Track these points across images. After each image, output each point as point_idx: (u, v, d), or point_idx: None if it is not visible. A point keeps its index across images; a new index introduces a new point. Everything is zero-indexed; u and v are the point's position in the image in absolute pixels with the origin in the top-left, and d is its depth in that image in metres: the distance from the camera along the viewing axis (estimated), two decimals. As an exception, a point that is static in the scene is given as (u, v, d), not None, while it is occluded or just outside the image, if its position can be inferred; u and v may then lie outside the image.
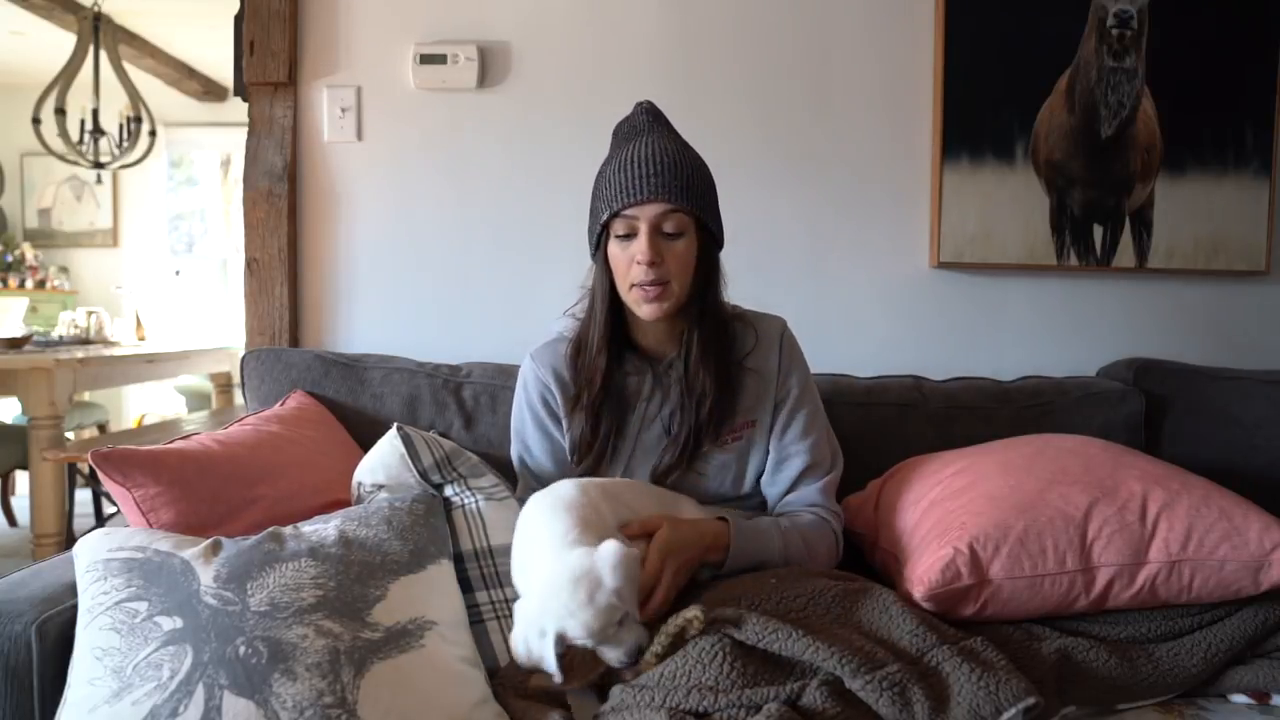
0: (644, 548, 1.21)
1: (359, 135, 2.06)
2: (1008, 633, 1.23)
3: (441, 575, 1.23)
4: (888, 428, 1.76)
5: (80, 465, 3.55)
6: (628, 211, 1.32)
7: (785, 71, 2.05)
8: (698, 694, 1.05)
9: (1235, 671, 1.23)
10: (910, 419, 1.78)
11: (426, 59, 2.02)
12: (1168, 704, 1.20)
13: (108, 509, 4.00)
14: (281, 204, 2.03)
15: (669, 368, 1.43)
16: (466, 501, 1.35)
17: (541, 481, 1.44)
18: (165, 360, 4.16)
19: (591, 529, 1.17)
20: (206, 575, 1.11)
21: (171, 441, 1.40)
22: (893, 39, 2.05)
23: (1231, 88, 2.06)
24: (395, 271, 2.07)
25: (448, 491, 1.37)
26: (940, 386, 1.86)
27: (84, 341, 4.32)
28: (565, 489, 1.25)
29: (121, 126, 4.82)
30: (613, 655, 1.10)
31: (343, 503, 1.39)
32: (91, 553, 1.16)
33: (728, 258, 1.45)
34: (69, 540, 3.09)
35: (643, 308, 1.35)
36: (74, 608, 1.14)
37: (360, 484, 1.39)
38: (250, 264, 2.04)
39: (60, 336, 4.44)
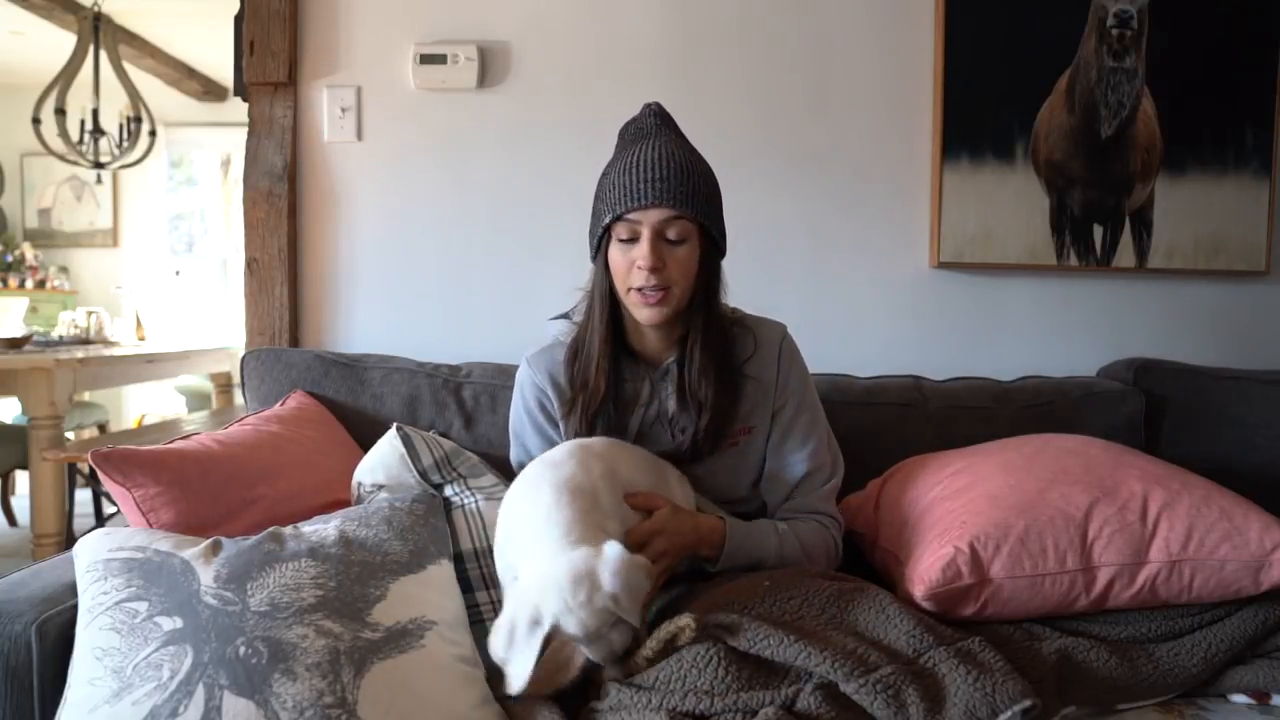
0: (641, 519, 1.23)
1: (359, 135, 2.06)
2: (1008, 633, 1.23)
3: (441, 575, 1.23)
4: (888, 428, 1.76)
5: (80, 465, 3.55)
6: (631, 215, 1.31)
7: (785, 71, 2.06)
8: (694, 698, 1.05)
9: (1235, 671, 1.23)
10: (910, 419, 1.78)
11: (426, 59, 2.02)
12: (1168, 704, 1.20)
13: (108, 509, 3.99)
14: (281, 204, 2.03)
15: (665, 374, 1.42)
16: (466, 501, 1.35)
17: None
18: (165, 360, 4.16)
19: (594, 524, 1.16)
20: (206, 575, 1.11)
21: (171, 441, 1.40)
22: (893, 39, 2.05)
23: (1231, 88, 2.06)
24: (395, 271, 2.07)
25: (447, 491, 1.37)
26: (940, 386, 1.86)
27: (84, 341, 4.32)
28: (570, 469, 1.22)
29: (121, 126, 4.82)
30: (599, 654, 1.10)
31: (343, 503, 1.39)
32: (91, 553, 1.16)
33: (728, 257, 1.45)
34: (69, 540, 3.09)
35: (642, 312, 1.34)
36: (74, 608, 1.14)
37: (360, 484, 1.39)
38: (250, 264, 2.04)
39: (60, 336, 4.44)
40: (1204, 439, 1.80)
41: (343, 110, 2.04)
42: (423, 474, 1.35)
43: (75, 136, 4.64)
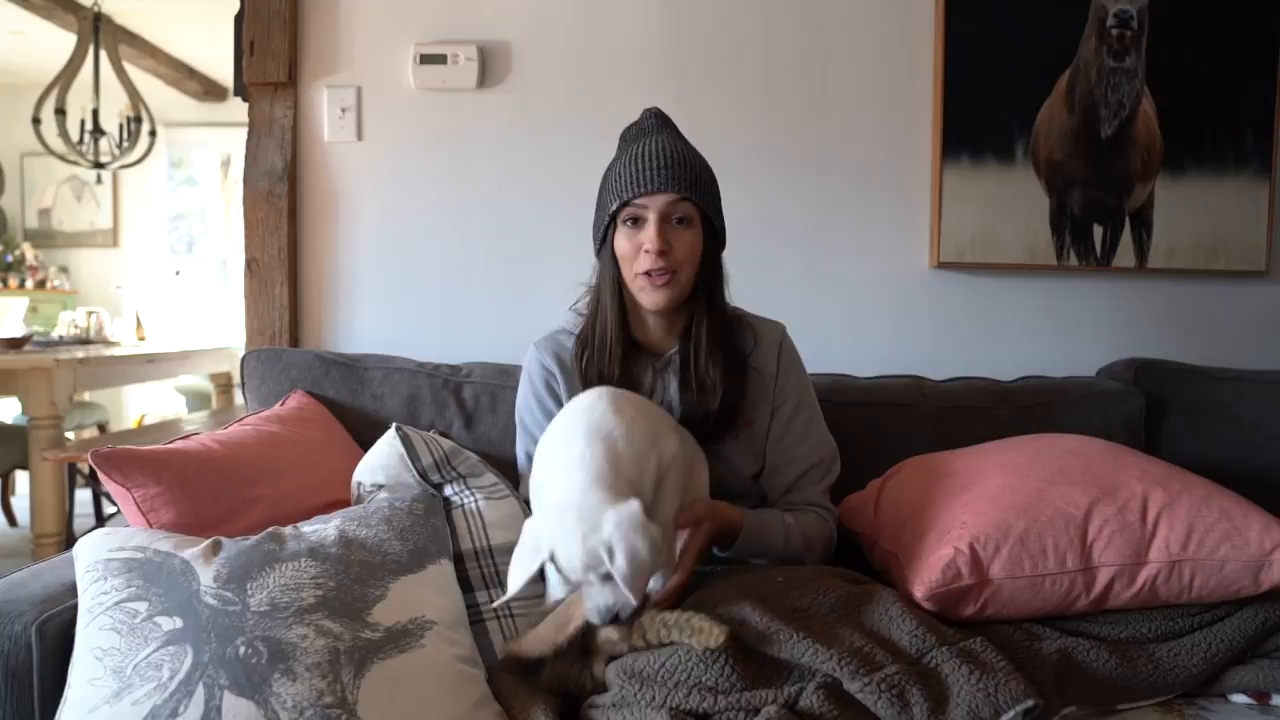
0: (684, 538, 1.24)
1: (359, 135, 2.06)
2: (1008, 633, 1.23)
3: (441, 575, 1.23)
4: (888, 428, 1.76)
5: (80, 465, 3.55)
6: (637, 201, 1.34)
7: (785, 71, 2.06)
8: (698, 694, 1.06)
9: (1235, 671, 1.23)
10: (910, 419, 1.78)
11: (426, 59, 2.02)
12: (1168, 704, 1.20)
13: (108, 509, 4.00)
14: (281, 204, 2.03)
15: (668, 364, 1.44)
16: (466, 501, 1.35)
17: None
18: (165, 360, 4.16)
19: (625, 479, 1.13)
20: (206, 575, 1.11)
21: (171, 441, 1.40)
22: (893, 39, 2.05)
23: (1231, 88, 2.06)
24: (395, 271, 2.07)
25: (447, 491, 1.37)
26: (940, 386, 1.86)
27: (84, 341, 4.32)
28: (609, 417, 1.18)
29: (121, 126, 4.83)
30: (589, 606, 1.09)
31: (343, 503, 1.39)
32: (91, 553, 1.16)
33: (729, 257, 1.45)
34: (69, 540, 3.09)
35: (649, 295, 1.36)
36: (74, 608, 1.14)
37: (360, 484, 1.39)
38: (250, 264, 2.04)
39: (60, 336, 4.44)
40: (1204, 439, 1.80)
41: (343, 110, 2.04)
42: (422, 474, 1.35)
43: (75, 136, 4.64)
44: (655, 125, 1.44)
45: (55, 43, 4.70)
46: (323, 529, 1.21)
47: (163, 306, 5.98)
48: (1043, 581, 1.23)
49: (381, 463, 1.37)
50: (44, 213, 6.27)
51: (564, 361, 1.47)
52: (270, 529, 1.21)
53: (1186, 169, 2.06)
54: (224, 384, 4.78)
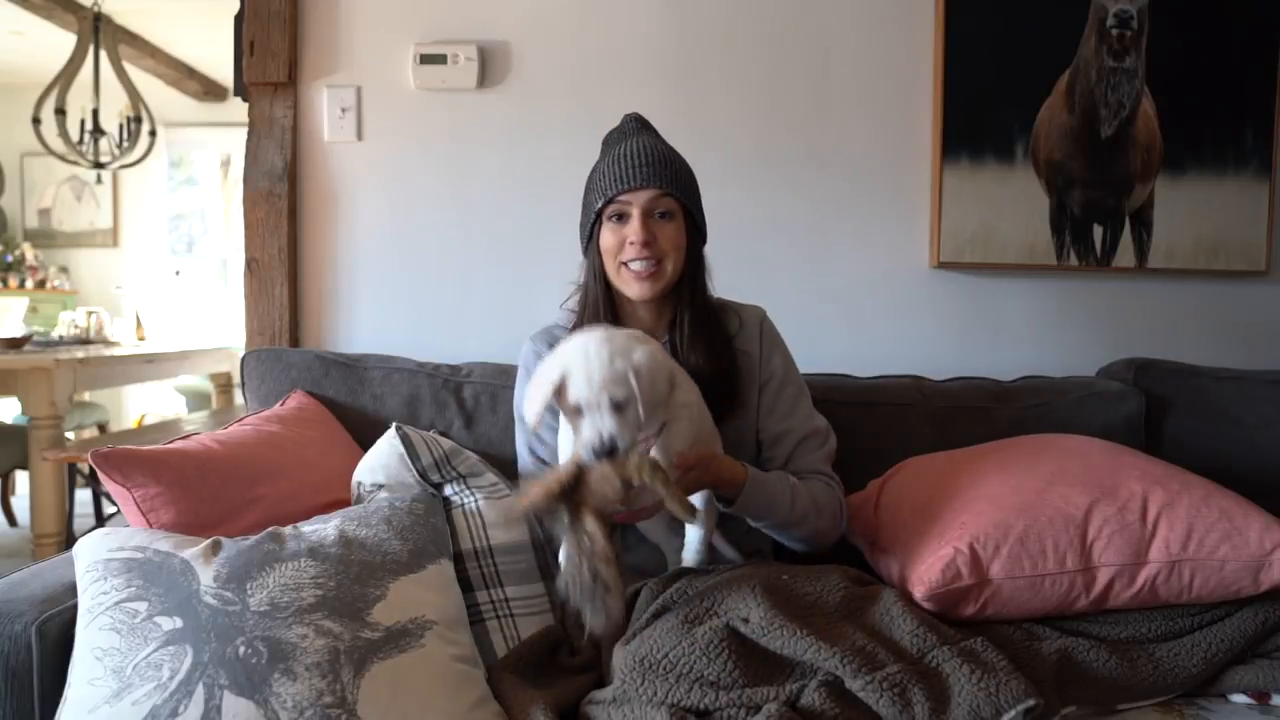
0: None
1: (359, 135, 2.06)
2: (1008, 633, 1.23)
3: (441, 575, 1.23)
4: (887, 428, 1.76)
5: (80, 465, 3.55)
6: (621, 197, 1.39)
7: (785, 71, 2.05)
8: (699, 690, 1.06)
9: (1235, 671, 1.23)
10: (910, 419, 1.78)
11: (426, 59, 2.02)
12: (1168, 704, 1.20)
13: (108, 509, 4.00)
14: (281, 204, 2.03)
15: None
16: (466, 501, 1.35)
17: (550, 465, 1.46)
18: (165, 360, 4.16)
19: (646, 341, 1.22)
20: (206, 575, 1.11)
21: (171, 441, 1.40)
22: (893, 39, 2.05)
23: (1231, 87, 2.06)
24: (395, 271, 2.07)
25: (447, 491, 1.37)
26: (940, 386, 1.86)
27: (84, 341, 4.32)
28: (653, 351, 1.22)
29: (121, 126, 4.83)
30: (589, 437, 1.13)
31: (343, 502, 1.39)
32: (91, 553, 1.16)
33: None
34: (69, 540, 3.09)
35: (634, 287, 1.40)
36: (74, 608, 1.14)
37: (360, 484, 1.39)
38: (250, 264, 2.04)
39: (60, 336, 4.44)
40: (1204, 439, 1.80)
41: (343, 110, 2.04)
42: (422, 473, 1.35)
43: (75, 136, 4.64)
44: (636, 128, 1.49)
45: (55, 43, 4.70)
46: (323, 529, 1.21)
47: (163, 306, 5.98)
48: (1043, 581, 1.23)
49: (381, 462, 1.37)
50: (44, 213, 6.27)
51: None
52: (270, 529, 1.21)
53: (1186, 169, 2.06)
54: (224, 384, 4.78)
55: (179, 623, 1.06)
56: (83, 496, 4.12)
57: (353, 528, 1.21)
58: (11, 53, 5.45)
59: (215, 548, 1.16)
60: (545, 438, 1.48)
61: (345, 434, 1.68)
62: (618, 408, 1.14)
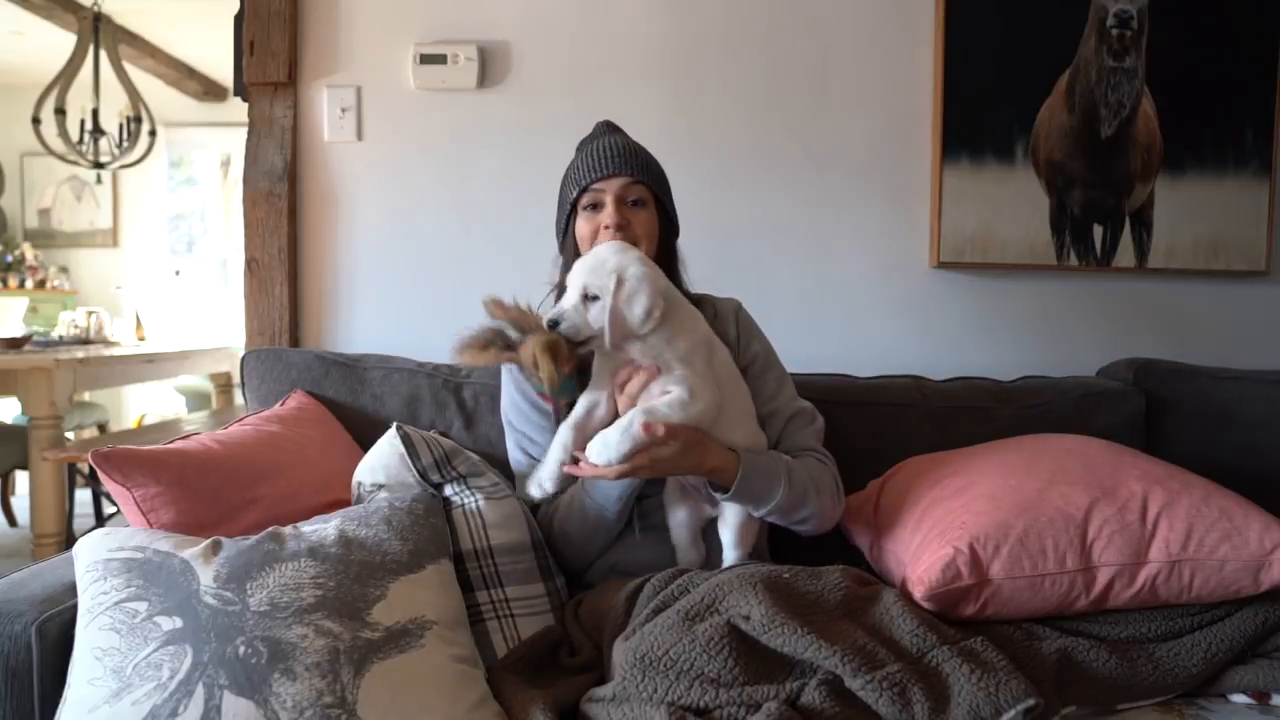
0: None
1: (359, 135, 2.06)
2: (1008, 633, 1.23)
3: (441, 575, 1.23)
4: (887, 428, 1.76)
5: (80, 465, 3.55)
6: (595, 186, 1.44)
7: (785, 71, 2.06)
8: (700, 687, 1.05)
9: (1235, 671, 1.23)
10: (910, 419, 1.78)
11: (426, 59, 2.02)
12: (1168, 704, 1.20)
13: (108, 509, 4.00)
14: (281, 204, 2.03)
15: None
16: (466, 501, 1.35)
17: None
18: (165, 360, 4.16)
19: (654, 268, 1.30)
20: (206, 575, 1.11)
21: (171, 441, 1.40)
22: (893, 39, 2.05)
23: (1231, 87, 2.06)
24: (395, 271, 2.07)
25: (447, 491, 1.37)
26: (940, 386, 1.86)
27: (84, 341, 4.32)
28: (659, 279, 1.31)
29: (121, 126, 4.83)
30: (563, 304, 1.27)
31: (343, 502, 1.39)
32: (91, 553, 1.16)
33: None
34: (69, 540, 3.09)
35: None
36: (74, 608, 1.14)
37: (360, 484, 1.39)
38: (250, 264, 2.04)
39: (60, 336, 4.44)
40: (1204, 439, 1.80)
41: (343, 110, 2.04)
42: (422, 473, 1.34)
43: (75, 136, 4.64)
44: (606, 130, 1.54)
45: (55, 43, 4.70)
46: (323, 529, 1.21)
47: (163, 306, 5.98)
48: (1043, 581, 1.23)
49: (382, 462, 1.36)
50: (44, 213, 6.27)
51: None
52: (270, 529, 1.21)
53: (1186, 169, 2.06)
54: (224, 384, 4.78)
55: (179, 623, 1.06)
56: (83, 496, 4.12)
57: (353, 528, 1.21)
58: (11, 53, 5.45)
59: (215, 548, 1.16)
60: (536, 438, 1.49)
61: (345, 434, 1.68)
62: (586, 298, 1.25)
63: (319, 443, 1.58)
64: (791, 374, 1.56)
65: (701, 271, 1.55)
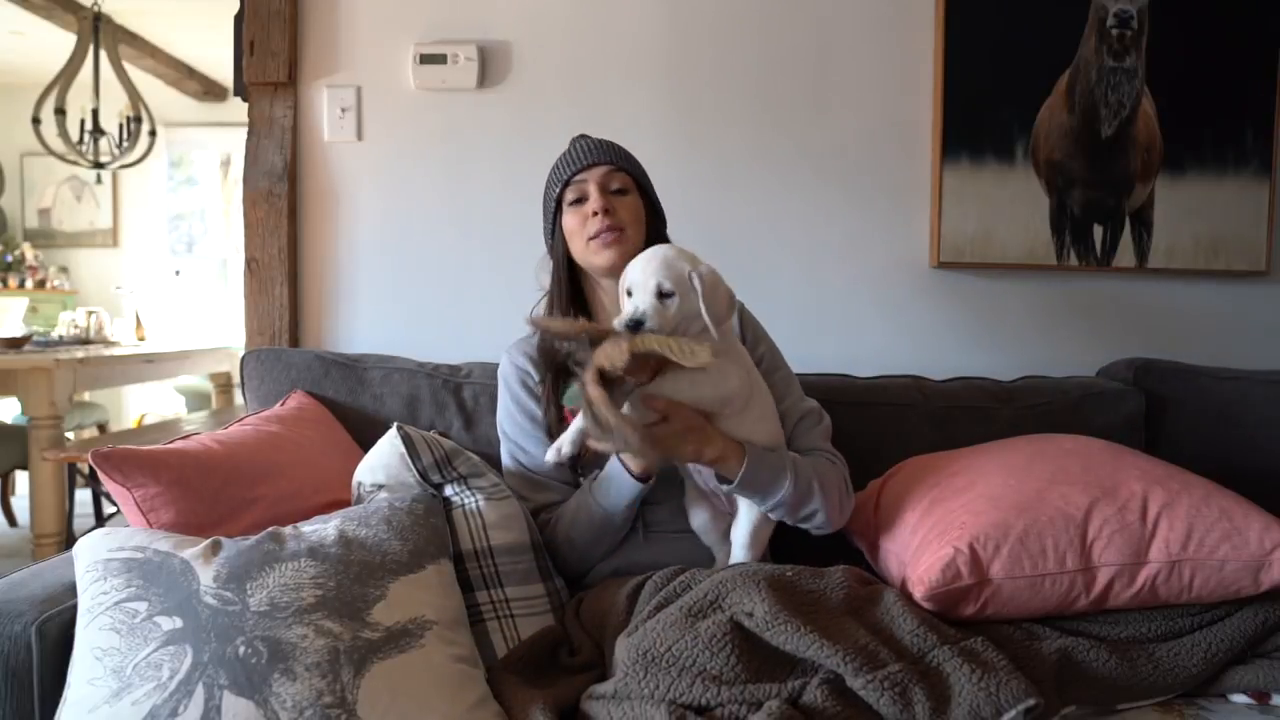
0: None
1: (359, 135, 2.06)
2: (1008, 633, 1.23)
3: (441, 575, 1.23)
4: (887, 428, 1.76)
5: (80, 465, 3.55)
6: (577, 177, 1.47)
7: (785, 71, 2.05)
8: (701, 685, 1.05)
9: (1235, 671, 1.23)
10: (910, 419, 1.78)
11: (426, 59, 2.02)
12: (1168, 704, 1.20)
13: (108, 509, 4.00)
14: (281, 204, 2.03)
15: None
16: (466, 501, 1.35)
17: (536, 476, 1.47)
18: (165, 360, 4.16)
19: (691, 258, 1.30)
20: (206, 575, 1.11)
21: (171, 441, 1.40)
22: (893, 39, 2.05)
23: (1231, 88, 2.06)
24: (395, 271, 2.07)
25: (447, 491, 1.37)
26: (940, 386, 1.86)
27: (84, 341, 4.32)
28: (723, 281, 1.33)
29: (121, 126, 4.82)
30: (629, 310, 1.25)
31: (343, 503, 1.39)
32: (91, 553, 1.16)
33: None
34: (69, 540, 3.09)
35: (603, 255, 1.44)
36: (74, 608, 1.14)
37: (360, 484, 1.39)
38: (250, 264, 2.04)
39: (60, 336, 4.44)
40: (1204, 439, 1.80)
41: (343, 110, 2.04)
42: (422, 473, 1.34)
43: (75, 136, 4.64)
44: (581, 138, 1.55)
45: (55, 43, 4.70)
46: (322, 529, 1.21)
47: (163, 306, 5.98)
48: (1043, 581, 1.23)
49: (382, 462, 1.36)
50: (44, 213, 6.27)
51: (536, 360, 1.52)
52: (270, 529, 1.21)
53: (1186, 169, 2.06)
54: (224, 384, 4.78)
55: (179, 623, 1.06)
56: (83, 496, 4.12)
57: (353, 528, 1.21)
58: (11, 53, 5.45)
59: (215, 548, 1.16)
60: (528, 448, 1.50)
61: (345, 434, 1.68)
62: (661, 295, 1.25)
63: (319, 443, 1.58)
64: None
65: (701, 272, 1.55)
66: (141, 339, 4.91)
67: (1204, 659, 1.21)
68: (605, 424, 1.15)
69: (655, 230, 1.52)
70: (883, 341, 2.08)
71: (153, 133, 4.84)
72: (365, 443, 1.49)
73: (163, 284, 6.16)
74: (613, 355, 1.18)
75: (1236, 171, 2.06)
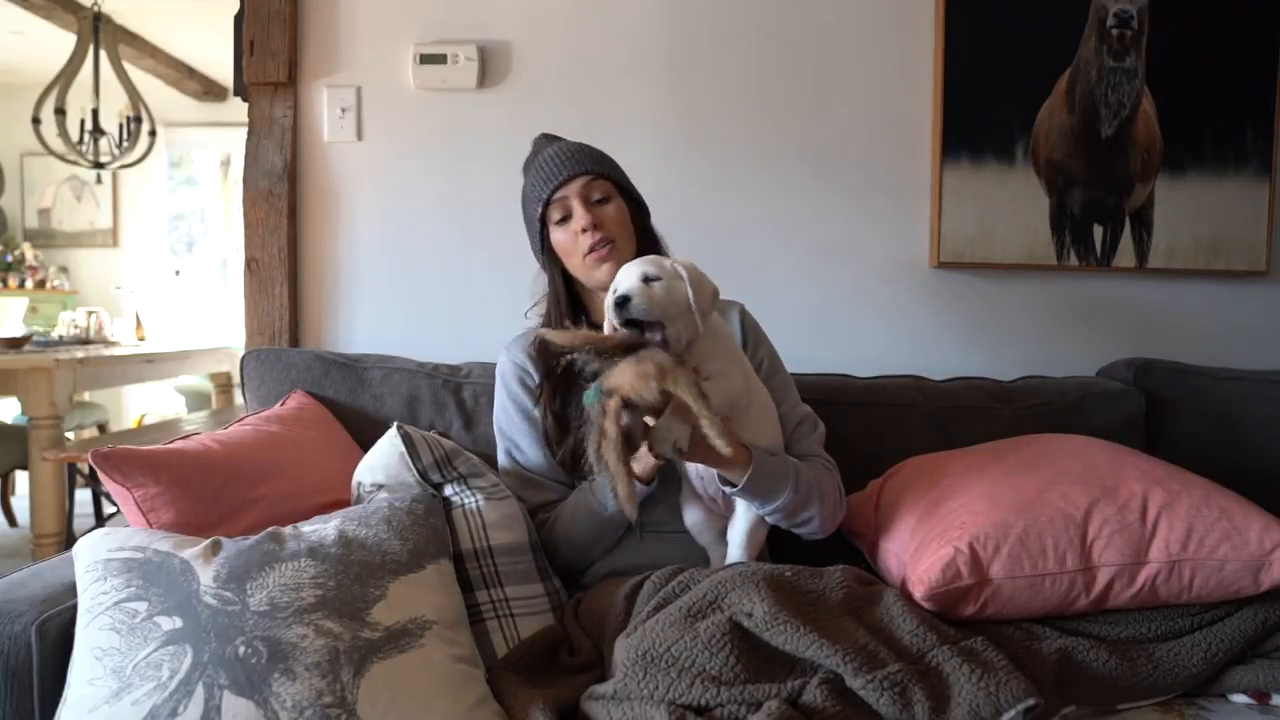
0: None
1: (359, 135, 2.06)
2: (1008, 633, 1.23)
3: (441, 575, 1.23)
4: (887, 428, 1.76)
5: (80, 465, 3.55)
6: (557, 194, 1.45)
7: (785, 71, 2.05)
8: (700, 685, 1.05)
9: (1235, 671, 1.23)
10: (910, 419, 1.78)
11: (426, 59, 2.02)
12: (1168, 704, 1.20)
13: (108, 509, 4.00)
14: (281, 204, 2.03)
15: None
16: (466, 501, 1.35)
17: (532, 474, 1.46)
18: (165, 360, 4.16)
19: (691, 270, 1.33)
20: (206, 575, 1.11)
21: (171, 441, 1.40)
22: (893, 39, 2.05)
23: (1231, 87, 2.06)
24: (395, 271, 2.07)
25: (447, 491, 1.37)
26: (940, 386, 1.86)
27: (84, 341, 4.32)
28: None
29: (121, 126, 4.82)
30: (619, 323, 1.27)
31: (343, 503, 1.39)
32: (91, 553, 1.16)
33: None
34: (69, 540, 3.09)
35: (598, 270, 1.44)
36: (74, 608, 1.14)
37: (360, 484, 1.39)
38: (250, 264, 2.04)
39: (60, 336, 4.44)
40: (1204, 439, 1.80)
41: (343, 110, 2.04)
42: (422, 473, 1.34)
43: (75, 136, 4.64)
44: (546, 141, 1.55)
45: (55, 43, 4.70)
46: (322, 529, 1.21)
47: (163, 306, 5.98)
48: (1042, 581, 1.23)
49: (382, 462, 1.36)
50: (44, 213, 6.27)
51: (535, 359, 1.52)
52: (270, 529, 1.21)
53: (1186, 169, 2.06)
54: (224, 384, 4.78)
55: (179, 623, 1.06)
56: (83, 496, 4.12)
57: (353, 528, 1.21)
58: (11, 53, 5.45)
59: (215, 548, 1.16)
60: (524, 446, 1.50)
61: (345, 434, 1.68)
62: (646, 280, 1.27)
63: (319, 443, 1.58)
64: (792, 374, 1.56)
65: (701, 272, 1.55)
66: (141, 339, 4.91)
67: (1204, 659, 1.21)
68: (606, 465, 1.16)
69: (641, 225, 1.51)
70: (883, 341, 2.08)
71: (153, 133, 4.84)
72: (365, 443, 1.49)
73: (163, 284, 6.16)
74: (640, 390, 1.16)
75: (1236, 171, 2.06)
